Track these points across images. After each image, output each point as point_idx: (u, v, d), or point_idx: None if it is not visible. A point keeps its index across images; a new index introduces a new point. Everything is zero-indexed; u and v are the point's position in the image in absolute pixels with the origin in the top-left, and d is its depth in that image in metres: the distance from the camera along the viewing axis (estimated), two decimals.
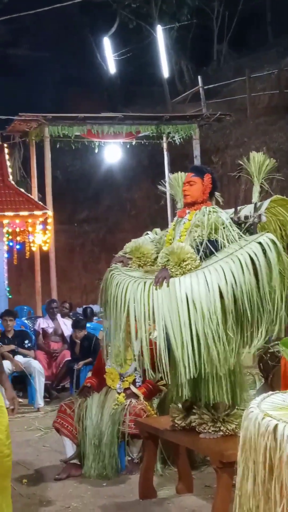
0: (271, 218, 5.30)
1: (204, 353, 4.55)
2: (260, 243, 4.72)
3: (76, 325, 10.08)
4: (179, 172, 5.60)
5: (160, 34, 21.65)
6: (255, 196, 5.15)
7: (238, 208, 5.24)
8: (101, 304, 5.08)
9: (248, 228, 5.08)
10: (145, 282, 4.74)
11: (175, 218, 5.34)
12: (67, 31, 25.25)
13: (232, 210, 5.26)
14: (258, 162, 5.17)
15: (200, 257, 4.81)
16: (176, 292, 4.58)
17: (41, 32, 24.09)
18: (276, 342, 6.61)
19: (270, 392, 3.21)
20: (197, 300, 4.55)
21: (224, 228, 4.92)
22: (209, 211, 5.05)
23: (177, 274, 4.69)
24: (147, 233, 5.57)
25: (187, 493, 5.62)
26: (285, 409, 2.96)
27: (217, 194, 5.37)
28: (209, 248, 4.84)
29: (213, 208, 5.12)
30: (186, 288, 4.59)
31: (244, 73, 19.70)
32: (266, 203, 5.15)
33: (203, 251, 4.83)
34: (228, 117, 17.35)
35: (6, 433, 4.41)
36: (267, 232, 4.95)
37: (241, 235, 4.93)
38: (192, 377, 4.60)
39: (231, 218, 5.10)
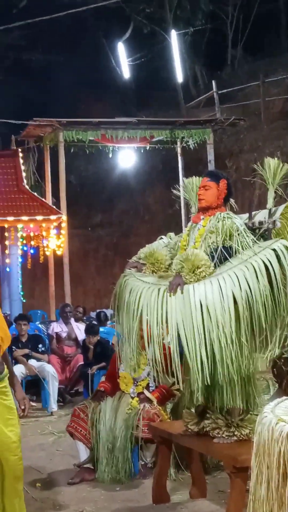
0: (286, 223, 5.28)
1: (218, 359, 4.54)
2: (274, 249, 4.71)
3: (90, 331, 10.06)
4: (194, 176, 5.60)
5: (174, 38, 21.67)
6: (270, 202, 5.14)
7: (253, 213, 5.24)
8: (114, 309, 5.08)
9: (262, 234, 5.07)
10: (159, 289, 4.74)
11: (189, 224, 5.33)
12: (82, 36, 25.33)
13: (246, 215, 5.26)
14: (273, 167, 5.16)
15: (215, 264, 4.81)
16: (190, 299, 4.58)
17: (56, 37, 24.17)
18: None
19: (284, 397, 3.21)
20: (211, 307, 4.55)
21: (238, 234, 4.92)
22: (224, 217, 5.04)
23: (191, 281, 4.69)
24: (161, 238, 5.57)
25: (200, 497, 5.61)
26: None
27: (231, 200, 5.37)
28: (224, 255, 4.84)
29: (228, 214, 5.12)
30: (200, 295, 4.59)
31: (259, 77, 19.68)
32: (280, 208, 5.14)
33: (217, 257, 4.83)
34: (242, 122, 17.33)
35: (19, 436, 4.50)
36: (282, 238, 4.95)
37: (255, 241, 4.93)
38: (205, 384, 4.60)
39: (246, 224, 5.10)
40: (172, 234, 5.59)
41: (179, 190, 5.76)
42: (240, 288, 4.58)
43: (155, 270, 5.13)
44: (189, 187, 5.54)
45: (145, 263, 5.17)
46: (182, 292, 4.63)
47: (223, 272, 4.70)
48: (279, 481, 2.74)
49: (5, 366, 4.57)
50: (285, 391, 6.48)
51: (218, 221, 5.01)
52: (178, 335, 4.56)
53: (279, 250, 4.70)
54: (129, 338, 4.87)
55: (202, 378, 4.54)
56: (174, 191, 5.86)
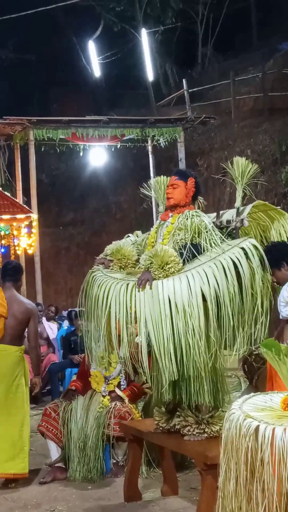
0: (252, 223, 5.34)
1: (185, 355, 4.57)
2: (242, 248, 4.75)
3: (75, 316, 10.04)
4: (162, 176, 5.63)
5: (144, 37, 21.65)
6: (238, 201, 5.19)
7: (221, 212, 5.27)
8: (81, 306, 5.08)
9: (230, 232, 5.11)
10: (127, 284, 4.75)
11: (158, 221, 5.36)
12: (52, 34, 25.21)
13: (214, 214, 5.29)
14: (241, 166, 5.20)
15: (183, 261, 4.83)
16: (158, 294, 4.60)
17: (26, 35, 24.03)
18: (259, 344, 6.63)
19: (252, 394, 3.24)
20: (179, 303, 4.57)
21: (207, 232, 4.94)
22: (192, 215, 5.07)
23: (160, 277, 4.70)
24: (128, 236, 5.59)
25: (172, 495, 5.63)
26: (266, 410, 2.98)
27: (200, 198, 5.39)
28: (192, 252, 4.86)
29: (196, 212, 5.15)
30: (168, 291, 4.61)
31: (229, 76, 19.73)
32: (248, 208, 5.19)
33: (186, 254, 4.85)
34: (212, 120, 17.36)
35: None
36: (250, 237, 4.99)
37: (223, 240, 4.96)
38: (173, 379, 4.62)
39: (214, 222, 5.13)
40: (139, 232, 5.62)
41: (148, 189, 5.78)
42: (209, 285, 4.60)
43: (123, 266, 5.14)
44: (157, 186, 5.57)
45: (112, 259, 5.18)
46: (150, 288, 4.64)
47: (192, 268, 4.73)
48: (247, 477, 2.76)
49: None
50: (256, 388, 6.53)
51: (187, 219, 5.04)
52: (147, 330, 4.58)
53: (247, 249, 4.74)
54: (98, 334, 4.88)
55: (169, 373, 4.56)
56: (143, 190, 5.88)
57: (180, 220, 5.07)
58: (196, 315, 4.55)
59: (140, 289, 4.66)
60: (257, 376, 6.82)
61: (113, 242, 5.35)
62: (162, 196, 5.49)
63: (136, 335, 4.77)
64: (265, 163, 15.24)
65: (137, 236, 5.54)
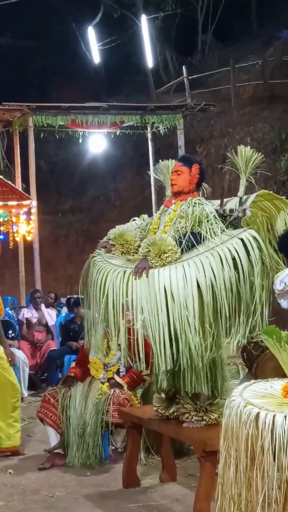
0: (258, 212, 5.30)
1: (181, 344, 4.57)
2: (241, 239, 4.74)
3: (74, 304, 10.05)
4: (170, 159, 5.59)
5: (144, 23, 21.55)
6: (241, 190, 5.16)
7: (224, 200, 5.24)
8: (81, 288, 5.09)
9: (232, 221, 5.08)
10: (124, 271, 4.76)
11: (161, 207, 5.34)
12: (51, 20, 25.08)
13: (218, 201, 5.26)
14: (245, 156, 5.18)
15: (182, 249, 4.82)
16: (154, 283, 4.60)
17: (25, 21, 23.89)
18: (259, 332, 6.61)
19: (253, 381, 3.24)
20: (175, 292, 4.57)
21: (208, 221, 4.92)
22: (195, 203, 5.05)
23: (156, 266, 4.71)
24: (134, 219, 5.57)
25: (170, 481, 5.65)
26: (267, 397, 2.98)
27: (205, 185, 5.37)
28: (191, 241, 4.84)
29: (199, 199, 5.12)
30: (164, 279, 4.61)
31: (229, 63, 19.66)
32: (251, 197, 5.15)
33: (185, 243, 4.83)
34: (212, 108, 17.31)
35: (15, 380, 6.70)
36: (250, 228, 4.97)
37: (224, 229, 4.94)
38: (169, 368, 4.63)
39: (216, 211, 5.10)
40: (145, 216, 5.60)
41: (153, 175, 5.75)
42: (205, 275, 4.60)
43: (125, 251, 5.14)
44: (164, 170, 5.53)
45: (114, 244, 5.18)
46: (147, 276, 4.64)
47: (189, 258, 4.73)
48: (247, 463, 2.77)
49: None
50: (255, 376, 6.53)
51: (189, 207, 5.02)
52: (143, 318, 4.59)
53: (246, 240, 4.73)
54: (95, 320, 4.89)
55: (165, 361, 4.57)
56: (153, 174, 5.81)
57: (183, 208, 5.06)
58: (191, 303, 4.55)
59: (137, 277, 4.66)
60: (256, 364, 6.81)
61: (117, 226, 5.33)
62: (168, 181, 5.45)
63: (128, 322, 4.78)
64: (265, 151, 15.17)
65: (143, 220, 5.52)
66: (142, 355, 4.63)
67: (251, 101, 19.15)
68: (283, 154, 15.30)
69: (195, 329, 4.55)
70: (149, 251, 4.77)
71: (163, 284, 4.60)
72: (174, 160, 5.49)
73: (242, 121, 17.98)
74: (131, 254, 5.12)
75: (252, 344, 6.94)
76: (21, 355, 9.51)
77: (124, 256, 5.10)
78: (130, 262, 4.94)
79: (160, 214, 5.27)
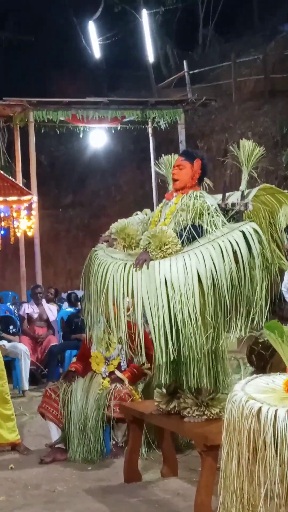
0: (260, 206, 5.29)
1: (181, 336, 4.57)
2: (242, 231, 4.74)
3: (76, 299, 10.06)
4: (173, 154, 5.58)
5: (145, 18, 21.52)
6: (243, 184, 5.15)
7: (227, 194, 5.23)
8: (83, 284, 5.09)
9: (234, 215, 5.07)
10: (125, 264, 4.76)
11: (163, 200, 5.34)
12: (52, 15, 25.04)
13: (220, 195, 5.25)
14: (248, 150, 5.17)
15: (183, 242, 4.82)
16: (155, 275, 4.60)
17: (25, 15, 23.87)
18: (262, 331, 6.59)
19: (254, 376, 3.24)
20: (175, 284, 4.57)
21: (209, 214, 4.92)
22: (196, 196, 5.04)
23: (157, 258, 4.71)
24: (137, 213, 5.57)
25: (171, 476, 5.65)
26: (269, 392, 2.98)
27: (207, 180, 5.36)
28: (192, 233, 4.84)
29: (200, 193, 5.12)
30: (165, 271, 4.61)
31: (230, 58, 19.63)
32: (253, 191, 5.15)
33: (186, 236, 4.83)
34: (213, 102, 17.31)
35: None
36: (252, 221, 4.97)
37: (225, 223, 4.93)
38: (169, 360, 4.63)
39: (218, 205, 5.09)
40: (147, 210, 5.59)
41: (157, 169, 5.73)
42: (205, 267, 4.60)
43: (126, 246, 5.13)
44: (167, 164, 5.53)
45: (116, 238, 5.17)
46: (147, 268, 4.64)
47: (189, 250, 4.73)
48: (249, 457, 2.77)
49: None
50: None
51: (190, 199, 5.01)
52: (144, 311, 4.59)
53: (247, 233, 4.73)
54: (96, 313, 4.89)
55: (166, 354, 4.57)
56: (156, 168, 5.80)
57: (184, 201, 5.05)
58: (191, 295, 4.55)
59: (137, 269, 4.66)
60: (270, 364, 6.76)
61: (119, 220, 5.32)
62: (171, 176, 5.44)
63: (128, 314, 4.79)
64: (266, 145, 15.09)
65: (146, 214, 5.52)
66: (142, 347, 4.62)
67: (252, 96, 19.12)
68: (284, 149, 15.30)
69: (196, 320, 4.55)
70: (150, 243, 4.77)
71: (163, 275, 4.60)
72: (177, 155, 5.48)
73: (243, 116, 17.96)
74: (133, 248, 5.11)
75: (259, 345, 6.94)
76: (23, 347, 9.51)
77: (126, 251, 5.09)
78: (132, 256, 4.94)
79: (161, 207, 5.27)
